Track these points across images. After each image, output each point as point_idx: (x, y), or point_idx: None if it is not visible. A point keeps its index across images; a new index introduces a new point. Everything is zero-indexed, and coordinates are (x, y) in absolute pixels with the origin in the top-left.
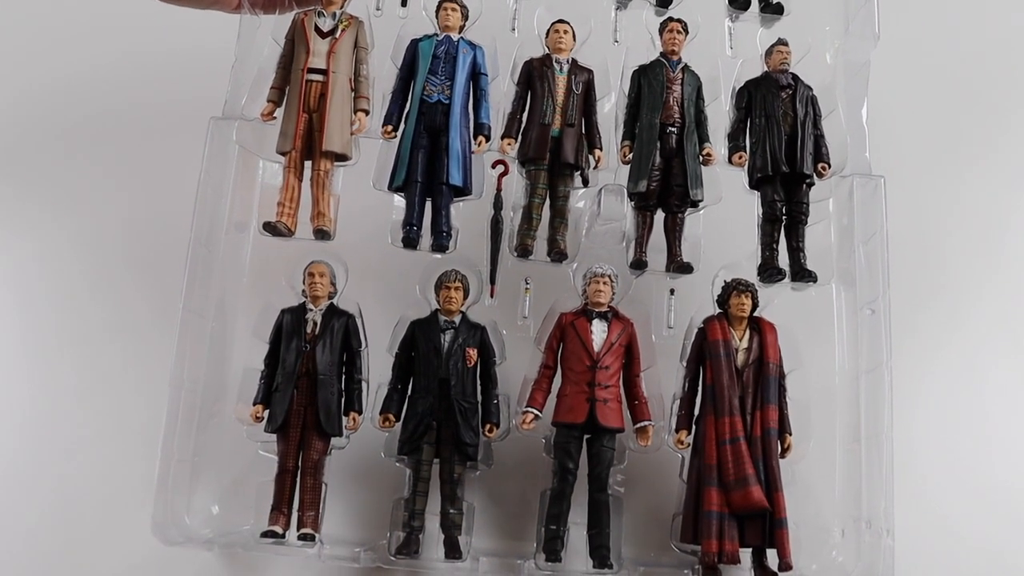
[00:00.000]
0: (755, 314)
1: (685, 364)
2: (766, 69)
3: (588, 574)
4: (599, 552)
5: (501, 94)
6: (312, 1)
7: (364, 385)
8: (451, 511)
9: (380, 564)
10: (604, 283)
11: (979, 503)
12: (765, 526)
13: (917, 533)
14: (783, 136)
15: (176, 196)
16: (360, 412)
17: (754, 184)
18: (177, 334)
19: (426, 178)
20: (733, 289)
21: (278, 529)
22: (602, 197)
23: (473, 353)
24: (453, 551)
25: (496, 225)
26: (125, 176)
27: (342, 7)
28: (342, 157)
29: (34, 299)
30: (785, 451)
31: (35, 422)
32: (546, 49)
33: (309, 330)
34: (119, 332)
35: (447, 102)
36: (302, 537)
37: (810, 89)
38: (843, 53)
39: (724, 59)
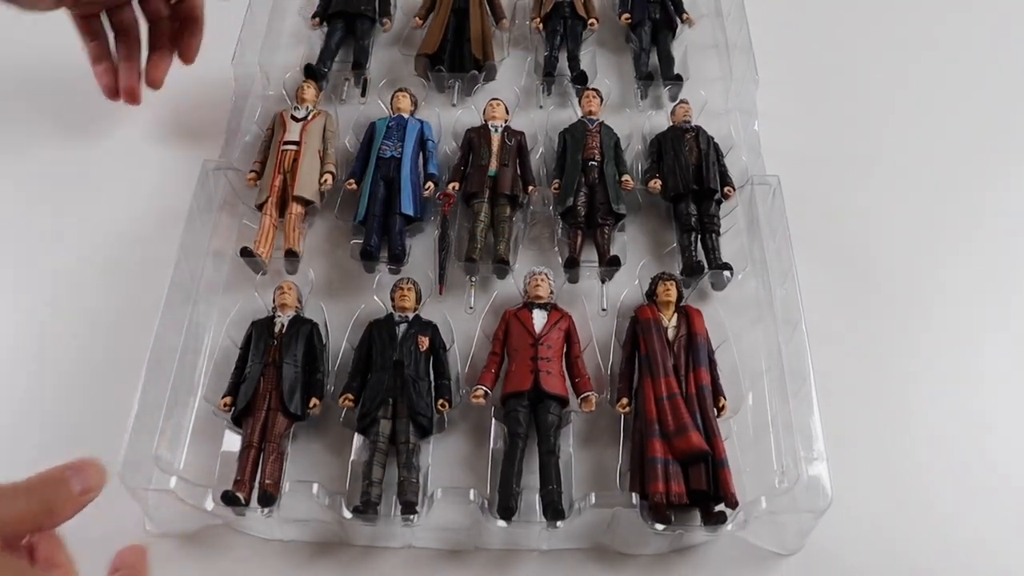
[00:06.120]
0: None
1: (622, 345)
2: (671, 123)
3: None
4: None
5: (444, 156)
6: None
7: (324, 377)
8: (408, 478)
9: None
10: (542, 279)
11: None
12: (707, 470)
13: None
14: (690, 165)
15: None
16: (321, 398)
17: (668, 201)
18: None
19: (382, 212)
20: (659, 280)
21: (240, 495)
22: (529, 208)
23: (425, 340)
24: (409, 510)
25: (443, 239)
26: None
27: (315, 104)
28: (311, 203)
29: None
30: (720, 411)
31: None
32: (483, 120)
33: (277, 330)
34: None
35: (399, 156)
36: (262, 498)
37: (712, 137)
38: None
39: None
